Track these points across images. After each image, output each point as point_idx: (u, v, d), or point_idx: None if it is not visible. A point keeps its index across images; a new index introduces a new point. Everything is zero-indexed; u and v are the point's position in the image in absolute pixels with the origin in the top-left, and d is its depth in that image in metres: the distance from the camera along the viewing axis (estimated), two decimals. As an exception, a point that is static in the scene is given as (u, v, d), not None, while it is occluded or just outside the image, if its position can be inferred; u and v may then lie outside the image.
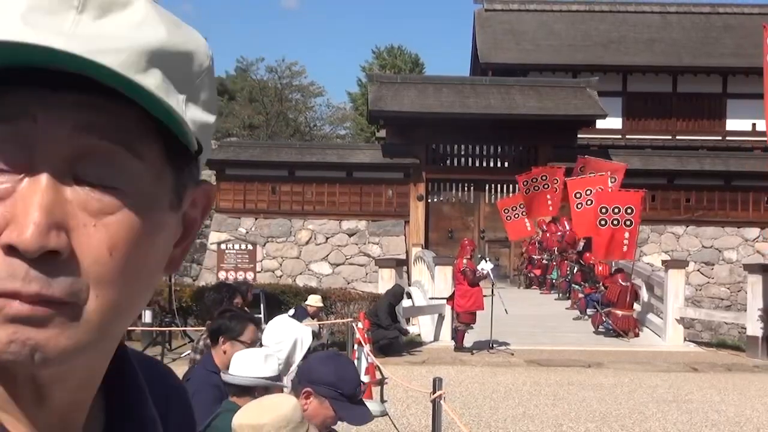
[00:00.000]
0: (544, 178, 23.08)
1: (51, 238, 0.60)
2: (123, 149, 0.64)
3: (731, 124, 32.67)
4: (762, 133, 31.59)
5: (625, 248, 18.82)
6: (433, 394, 6.98)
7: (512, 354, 16.35)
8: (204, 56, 0.70)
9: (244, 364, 3.80)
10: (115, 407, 0.76)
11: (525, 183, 23.06)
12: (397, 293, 16.76)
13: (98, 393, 0.74)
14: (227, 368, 3.94)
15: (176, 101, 0.66)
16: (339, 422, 3.40)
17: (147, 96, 0.62)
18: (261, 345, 4.67)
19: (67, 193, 0.62)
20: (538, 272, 25.83)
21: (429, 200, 27.20)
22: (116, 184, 0.64)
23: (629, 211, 18.81)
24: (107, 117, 0.63)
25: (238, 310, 5.26)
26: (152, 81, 0.64)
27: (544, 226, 25.16)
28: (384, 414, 9.75)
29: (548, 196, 23.16)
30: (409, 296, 19.98)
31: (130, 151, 0.64)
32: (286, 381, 4.09)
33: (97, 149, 0.63)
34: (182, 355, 14.16)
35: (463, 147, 27.45)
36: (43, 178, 0.62)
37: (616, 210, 18.82)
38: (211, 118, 0.71)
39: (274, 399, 3.01)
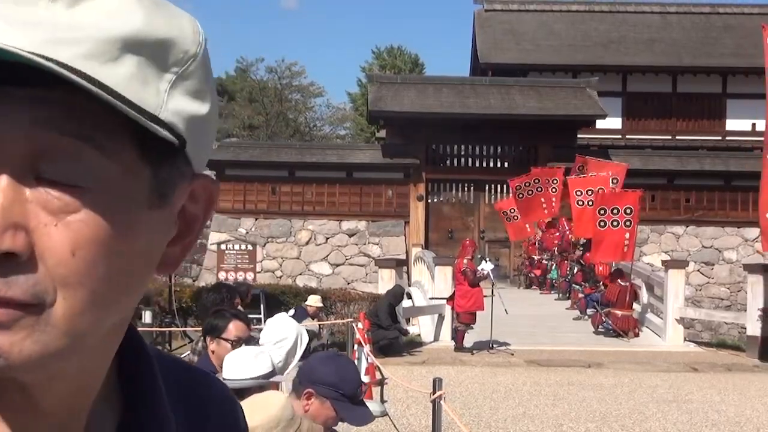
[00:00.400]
0: (536, 181, 23.09)
1: (5, 240, 0.58)
2: (86, 145, 0.60)
3: (731, 124, 32.68)
4: (762, 133, 31.64)
5: (625, 249, 18.81)
6: (433, 394, 6.98)
7: (512, 354, 16.35)
8: (190, 42, 0.66)
9: (236, 367, 3.76)
10: (126, 409, 0.73)
11: (517, 188, 23.08)
12: (398, 294, 16.76)
13: (113, 393, 0.73)
14: (221, 368, 3.92)
15: (155, 91, 0.63)
16: (339, 422, 3.40)
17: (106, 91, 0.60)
18: (258, 343, 4.66)
19: (27, 192, 0.60)
20: (538, 272, 25.84)
21: (429, 200, 27.21)
22: (79, 182, 0.60)
23: (628, 211, 18.82)
24: (68, 111, 0.60)
25: (225, 309, 5.24)
26: (123, 71, 0.61)
27: (544, 227, 25.17)
28: (384, 414, 9.75)
29: (542, 200, 23.17)
30: (409, 296, 19.98)
31: (94, 147, 0.61)
32: (285, 378, 4.08)
33: (58, 146, 0.60)
34: (181, 356, 14.14)
35: (462, 147, 27.46)
36: (2, 178, 0.59)
37: (615, 211, 18.83)
38: (202, 108, 0.67)
39: (262, 399, 2.98)
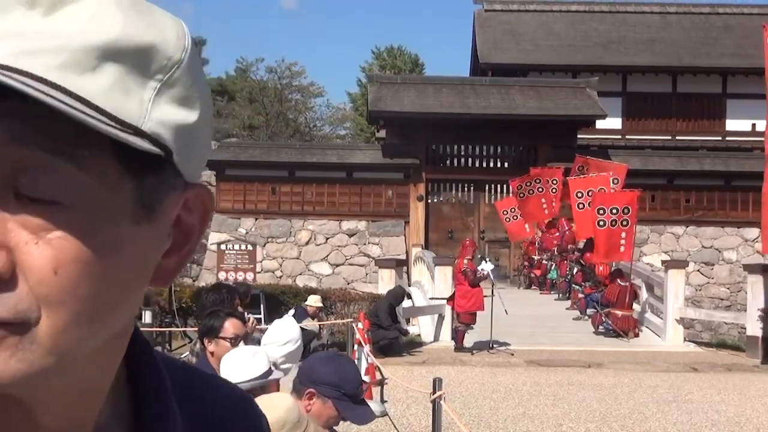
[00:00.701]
0: (537, 181, 23.12)
1: None
2: (64, 160, 0.58)
3: (731, 125, 32.69)
4: (762, 134, 31.66)
5: (622, 248, 18.81)
6: (433, 394, 6.98)
7: (512, 354, 16.35)
8: (173, 48, 0.63)
9: (235, 369, 3.73)
10: (135, 410, 0.72)
11: (519, 188, 23.14)
12: (398, 294, 16.73)
13: (121, 400, 0.72)
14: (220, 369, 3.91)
15: (137, 101, 0.61)
16: (341, 422, 3.41)
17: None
18: (258, 343, 4.65)
19: (5, 210, 0.58)
20: (538, 272, 25.84)
21: (429, 200, 27.21)
22: (59, 199, 0.58)
23: (626, 211, 18.83)
24: (44, 125, 0.57)
25: (219, 309, 5.23)
26: (102, 81, 0.59)
27: (544, 227, 25.17)
28: (384, 414, 9.75)
29: (543, 200, 23.20)
30: (409, 296, 19.98)
31: (73, 162, 0.58)
32: (283, 376, 4.08)
33: (35, 162, 0.58)
34: (181, 356, 14.15)
35: (462, 147, 27.47)
36: None
37: (614, 211, 18.83)
38: (190, 116, 0.65)
39: (268, 401, 2.97)
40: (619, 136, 32.30)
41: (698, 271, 26.25)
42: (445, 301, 17.43)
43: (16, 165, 0.58)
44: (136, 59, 0.61)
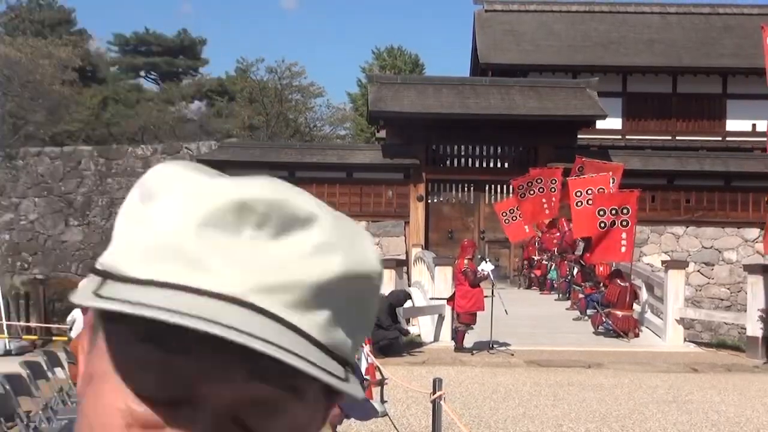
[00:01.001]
0: (539, 181, 23.09)
1: None
2: (290, 395, 0.60)
3: (731, 125, 32.68)
4: (762, 134, 31.68)
5: (623, 249, 18.80)
6: (433, 394, 6.99)
7: (512, 354, 16.34)
8: (377, 277, 0.64)
9: None
10: None
11: (520, 188, 23.12)
12: (400, 297, 16.68)
13: None
14: None
15: (341, 335, 0.61)
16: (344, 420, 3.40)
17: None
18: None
19: None
20: (538, 273, 25.83)
21: (429, 201, 27.21)
22: (275, 429, 0.60)
23: (625, 211, 18.83)
24: (282, 364, 0.57)
25: None
26: (323, 317, 0.59)
27: (544, 228, 25.16)
28: (384, 414, 9.75)
29: (543, 200, 23.18)
30: (410, 297, 19.95)
31: (296, 397, 0.60)
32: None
33: (265, 398, 0.59)
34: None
35: (463, 147, 27.46)
36: (204, 421, 0.59)
37: (614, 211, 18.83)
38: (366, 333, 0.66)
39: None
40: (619, 137, 32.29)
41: (698, 271, 26.25)
42: (445, 301, 17.42)
43: (245, 398, 0.59)
44: (351, 293, 0.62)
